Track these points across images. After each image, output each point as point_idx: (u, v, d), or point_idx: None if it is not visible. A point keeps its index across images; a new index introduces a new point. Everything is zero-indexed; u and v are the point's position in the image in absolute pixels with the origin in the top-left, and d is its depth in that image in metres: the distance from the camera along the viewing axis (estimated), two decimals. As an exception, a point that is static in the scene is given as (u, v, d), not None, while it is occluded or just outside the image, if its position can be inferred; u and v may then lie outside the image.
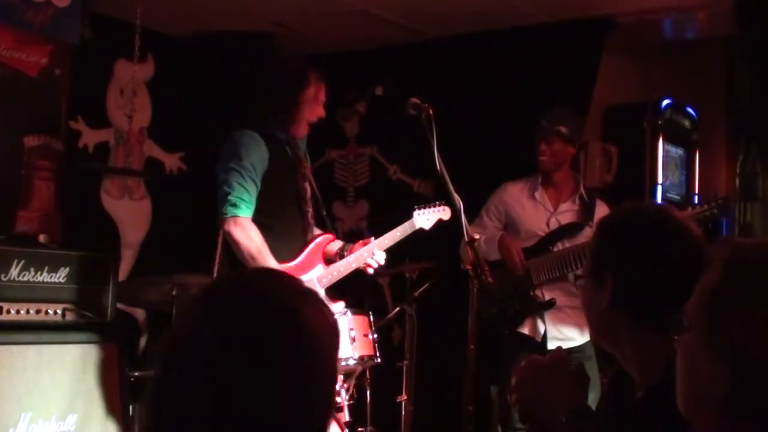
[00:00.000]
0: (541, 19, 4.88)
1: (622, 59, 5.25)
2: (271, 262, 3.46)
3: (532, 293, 4.03)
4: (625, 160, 5.16)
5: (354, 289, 3.78)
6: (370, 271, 3.66)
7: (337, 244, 3.72)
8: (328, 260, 3.68)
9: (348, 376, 4.33)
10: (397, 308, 4.64)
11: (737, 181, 5.24)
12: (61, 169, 4.64)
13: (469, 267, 3.22)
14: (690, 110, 5.44)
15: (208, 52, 5.29)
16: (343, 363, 4.03)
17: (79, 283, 3.69)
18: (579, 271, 3.91)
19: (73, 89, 4.66)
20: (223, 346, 1.09)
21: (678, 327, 1.24)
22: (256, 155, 3.50)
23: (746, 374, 1.14)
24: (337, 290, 3.73)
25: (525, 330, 4.03)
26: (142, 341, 5.01)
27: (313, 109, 3.65)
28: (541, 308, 4.01)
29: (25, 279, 3.53)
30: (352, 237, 4.18)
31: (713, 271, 1.22)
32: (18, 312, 3.48)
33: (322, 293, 3.62)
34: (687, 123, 5.43)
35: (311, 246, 3.66)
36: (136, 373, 3.89)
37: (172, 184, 5.36)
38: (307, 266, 3.63)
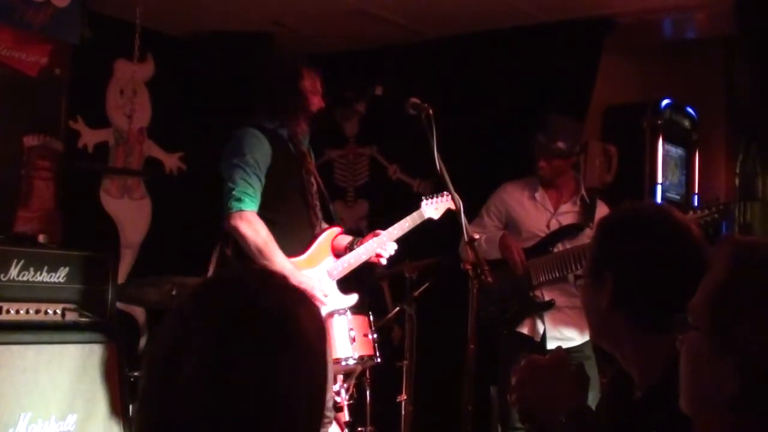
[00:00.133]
0: (541, 19, 4.88)
1: (621, 59, 5.25)
2: (278, 256, 3.47)
3: (531, 294, 4.03)
4: (625, 160, 5.16)
5: (354, 288, 3.77)
6: (383, 261, 3.66)
7: (346, 238, 3.72)
8: (337, 253, 3.68)
9: (348, 376, 4.34)
10: (397, 308, 4.64)
11: (737, 181, 5.25)
12: (61, 168, 4.64)
13: (468, 267, 3.22)
14: (690, 110, 5.44)
15: (208, 52, 5.29)
16: (343, 363, 4.04)
17: (79, 282, 3.69)
18: (579, 272, 3.91)
19: (73, 89, 4.66)
20: (217, 347, 1.09)
21: (681, 326, 1.24)
22: (259, 151, 3.51)
23: (754, 373, 1.14)
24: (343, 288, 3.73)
25: (524, 330, 4.03)
26: (142, 341, 5.01)
27: (312, 100, 3.65)
28: (541, 309, 4.01)
29: (25, 279, 3.52)
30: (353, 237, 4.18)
31: (717, 270, 1.22)
32: (18, 312, 3.48)
33: (333, 286, 3.63)
34: (687, 123, 5.43)
35: (320, 239, 3.67)
36: (135, 373, 3.88)
37: (172, 184, 5.36)
38: (316, 259, 3.63)
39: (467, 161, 4.49)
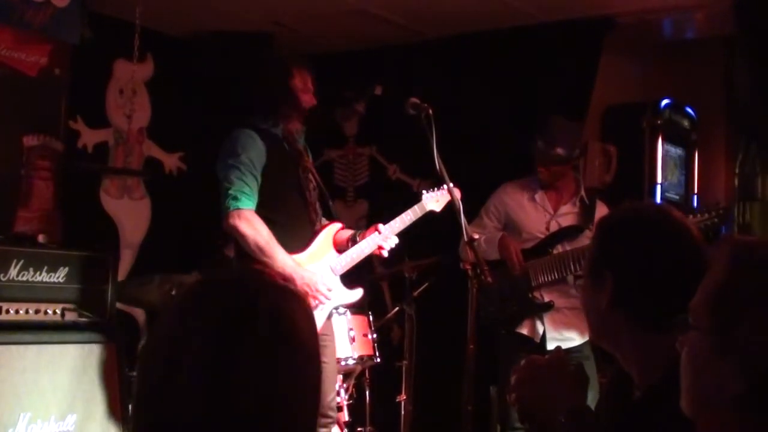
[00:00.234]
0: (541, 19, 4.88)
1: (621, 59, 5.25)
2: (280, 253, 3.47)
3: (530, 295, 4.03)
4: (625, 160, 5.16)
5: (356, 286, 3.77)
6: (385, 254, 3.66)
7: (347, 232, 3.72)
8: (339, 248, 3.68)
9: (347, 375, 4.34)
10: (397, 308, 4.64)
11: (736, 181, 5.25)
12: (61, 168, 4.64)
13: (468, 267, 3.22)
14: (689, 110, 5.44)
15: (207, 52, 5.29)
16: (343, 363, 4.04)
17: (79, 282, 3.69)
18: (578, 273, 3.91)
19: (73, 89, 4.66)
20: (216, 347, 1.09)
21: (682, 326, 1.24)
22: (254, 151, 3.51)
23: (755, 373, 1.14)
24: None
25: (524, 330, 4.03)
26: (142, 341, 5.01)
27: (303, 98, 3.65)
28: (540, 310, 4.01)
29: (25, 279, 3.52)
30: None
31: (717, 270, 1.22)
32: (17, 312, 3.48)
33: (337, 281, 3.63)
34: (686, 123, 5.43)
35: (321, 235, 3.67)
36: (135, 373, 3.88)
37: (172, 184, 5.36)
38: (318, 255, 3.63)
39: (467, 161, 4.50)
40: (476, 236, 3.26)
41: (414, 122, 3.26)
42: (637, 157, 5.18)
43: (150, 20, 4.72)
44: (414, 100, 3.29)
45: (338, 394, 4.16)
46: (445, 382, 4.39)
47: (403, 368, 4.48)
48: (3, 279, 3.45)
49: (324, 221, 3.75)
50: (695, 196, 5.46)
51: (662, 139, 5.20)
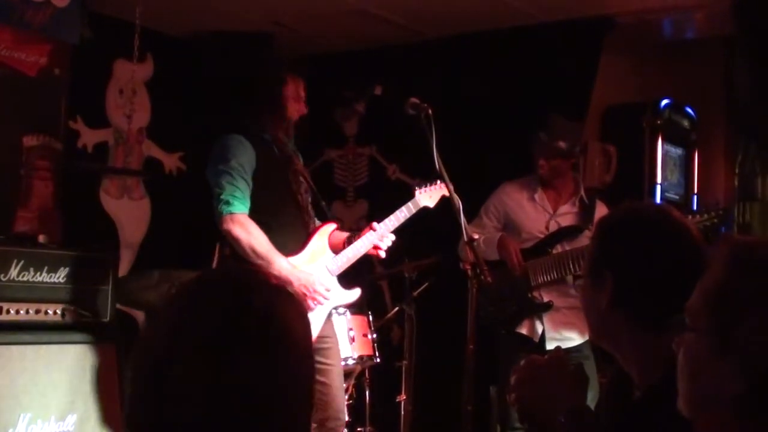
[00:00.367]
0: (541, 20, 4.88)
1: (621, 59, 5.25)
2: (275, 255, 3.46)
3: (530, 294, 4.03)
4: (624, 160, 5.16)
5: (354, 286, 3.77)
6: (381, 254, 3.65)
7: (342, 233, 3.72)
8: (335, 249, 3.68)
9: (347, 376, 4.34)
10: (396, 308, 4.64)
11: (736, 181, 5.25)
12: (61, 168, 4.64)
13: (468, 267, 3.22)
14: (689, 110, 5.44)
15: (207, 52, 5.29)
16: (343, 363, 4.04)
17: (79, 283, 3.69)
18: (578, 273, 3.91)
19: (73, 89, 4.66)
20: (209, 347, 1.09)
21: (679, 327, 1.24)
22: (244, 156, 3.51)
23: (755, 373, 1.14)
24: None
25: (523, 330, 4.03)
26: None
27: (295, 106, 3.65)
28: (539, 310, 4.01)
29: (25, 279, 3.52)
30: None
31: (715, 271, 1.22)
32: (17, 312, 3.48)
33: (334, 281, 3.63)
34: (686, 123, 5.43)
35: (316, 236, 3.66)
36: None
37: (172, 184, 5.36)
38: (314, 256, 3.63)
39: (467, 161, 4.50)
40: (476, 236, 3.26)
41: (414, 122, 3.26)
42: (637, 157, 5.18)
43: (150, 20, 4.72)
44: (414, 100, 3.29)
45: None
46: (445, 382, 4.39)
47: (403, 368, 4.48)
48: (3, 279, 3.45)
49: (317, 223, 3.75)
50: (695, 196, 5.46)
51: (662, 139, 5.20)
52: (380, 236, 3.60)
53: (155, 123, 5.29)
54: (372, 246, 3.62)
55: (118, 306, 3.93)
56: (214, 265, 3.69)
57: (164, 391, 1.08)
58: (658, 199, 5.07)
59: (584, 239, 3.95)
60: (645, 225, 1.66)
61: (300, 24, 5.12)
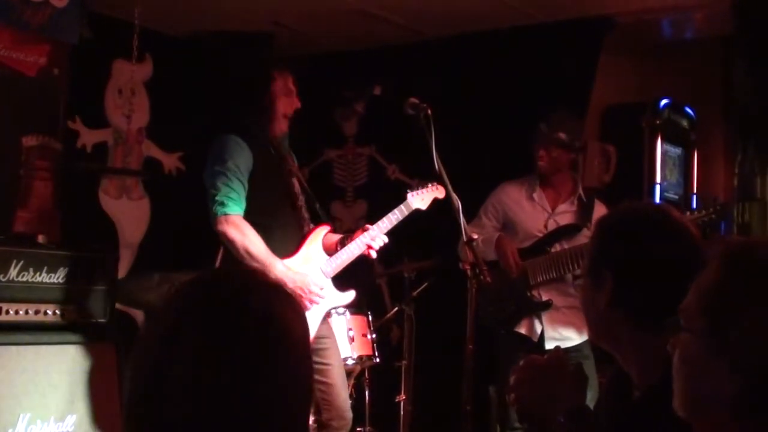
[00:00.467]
0: (540, 19, 4.88)
1: (620, 59, 5.25)
2: (269, 257, 3.47)
3: (529, 293, 4.03)
4: (624, 159, 5.16)
5: (351, 287, 3.77)
6: (373, 254, 3.66)
7: (336, 235, 3.73)
8: (329, 251, 3.69)
9: (347, 376, 4.34)
10: (396, 308, 4.64)
11: (735, 181, 5.25)
12: (60, 169, 4.63)
13: (467, 267, 3.22)
14: (688, 110, 5.44)
15: (207, 52, 5.29)
16: (342, 363, 4.04)
17: (78, 283, 3.69)
18: (576, 272, 3.92)
19: (72, 89, 4.65)
20: (207, 348, 1.09)
21: (674, 328, 1.24)
22: (240, 156, 3.52)
23: (753, 374, 1.14)
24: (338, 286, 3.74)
25: (522, 330, 4.04)
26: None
27: (287, 101, 3.64)
28: (538, 309, 4.01)
29: (24, 279, 3.52)
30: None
31: (710, 271, 1.22)
32: (17, 312, 3.47)
33: (329, 283, 3.63)
34: (685, 123, 5.44)
35: (310, 238, 3.67)
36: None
37: (171, 184, 5.35)
38: (309, 258, 3.64)
39: (466, 161, 4.50)
40: (475, 236, 3.26)
41: (413, 122, 3.26)
42: (637, 157, 5.19)
43: (149, 20, 4.72)
44: (413, 100, 3.29)
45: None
46: (445, 382, 4.39)
47: (403, 368, 4.49)
48: (3, 279, 3.44)
49: (311, 225, 3.75)
50: (694, 196, 5.46)
51: (661, 139, 5.21)
52: (372, 237, 3.61)
53: (154, 123, 5.29)
54: (365, 247, 3.63)
55: (117, 306, 3.93)
56: (217, 265, 3.69)
57: (164, 391, 1.08)
58: (657, 199, 5.07)
59: (583, 237, 3.95)
60: (644, 225, 1.66)
61: (300, 24, 5.12)
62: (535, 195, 4.16)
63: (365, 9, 4.83)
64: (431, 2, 4.74)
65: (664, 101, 5.23)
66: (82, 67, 4.68)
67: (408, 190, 3.76)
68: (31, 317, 3.52)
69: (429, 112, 3.23)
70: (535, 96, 4.80)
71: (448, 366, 4.07)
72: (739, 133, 5.14)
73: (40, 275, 3.57)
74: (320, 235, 3.70)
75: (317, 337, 3.53)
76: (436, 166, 3.22)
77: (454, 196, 3.23)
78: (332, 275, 3.65)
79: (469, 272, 3.18)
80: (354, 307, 4.28)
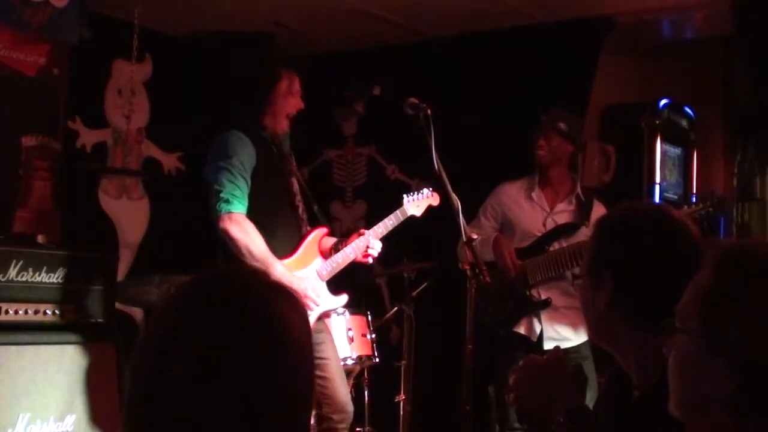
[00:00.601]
0: (540, 19, 4.88)
1: (620, 59, 5.25)
2: (270, 257, 3.47)
3: (528, 293, 4.03)
4: (623, 159, 5.16)
5: (350, 289, 3.78)
6: (370, 260, 3.67)
7: (331, 239, 3.73)
8: (324, 254, 3.69)
9: (347, 375, 4.34)
10: (395, 308, 4.64)
11: (735, 181, 5.25)
12: (59, 169, 4.63)
13: (466, 267, 3.22)
14: (688, 110, 5.44)
15: (207, 53, 5.29)
16: (342, 363, 4.04)
17: (78, 283, 3.69)
18: (576, 271, 3.92)
19: (71, 89, 4.65)
20: (207, 348, 1.09)
21: (669, 329, 1.24)
22: (244, 153, 3.51)
23: (750, 374, 1.14)
24: (336, 288, 3.74)
25: (521, 329, 4.03)
26: (140, 341, 5.00)
27: (290, 101, 3.65)
28: (537, 307, 4.01)
29: (24, 279, 3.52)
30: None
31: (705, 272, 1.22)
32: (16, 312, 3.47)
33: (324, 287, 3.63)
34: (685, 123, 5.44)
35: (307, 240, 3.67)
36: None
37: (171, 184, 5.35)
38: (305, 260, 3.64)
39: (466, 161, 4.50)
40: (474, 236, 3.26)
41: (413, 122, 3.26)
42: (636, 157, 5.19)
43: (149, 20, 4.72)
44: (413, 100, 3.29)
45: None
46: (444, 382, 4.40)
47: (402, 368, 4.49)
48: (2, 279, 3.44)
49: (308, 226, 3.75)
50: (694, 196, 5.46)
51: (661, 139, 5.21)
52: (367, 242, 3.61)
53: (154, 123, 5.29)
54: (362, 253, 3.63)
55: (116, 305, 3.93)
56: (216, 263, 3.69)
57: (164, 391, 1.08)
58: (656, 199, 5.07)
59: (581, 235, 3.95)
60: (644, 224, 1.66)
61: (300, 24, 5.12)
62: (533, 194, 4.16)
63: (365, 9, 4.83)
64: (431, 2, 4.73)
65: (663, 101, 5.23)
66: (81, 67, 4.68)
67: (405, 195, 3.77)
68: (31, 317, 3.52)
69: (429, 112, 3.23)
70: (535, 96, 4.79)
71: (448, 366, 4.08)
72: (739, 133, 5.15)
73: (39, 275, 3.57)
74: (317, 237, 3.70)
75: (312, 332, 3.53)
76: (436, 167, 3.22)
77: (454, 197, 3.23)
78: (327, 278, 3.65)
79: (468, 272, 3.18)
80: (353, 307, 4.28)
